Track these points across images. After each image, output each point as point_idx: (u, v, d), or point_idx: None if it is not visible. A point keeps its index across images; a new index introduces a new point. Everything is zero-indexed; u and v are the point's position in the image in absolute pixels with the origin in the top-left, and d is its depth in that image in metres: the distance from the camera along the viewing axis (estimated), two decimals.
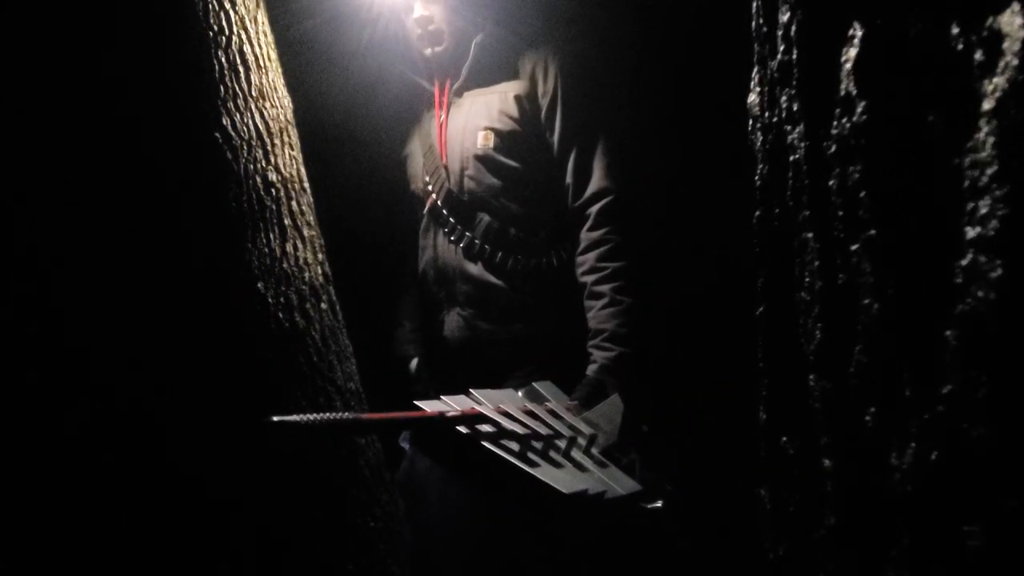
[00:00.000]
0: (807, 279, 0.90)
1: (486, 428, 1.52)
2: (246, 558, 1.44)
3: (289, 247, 1.60)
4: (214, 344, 1.41)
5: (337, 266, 1.86)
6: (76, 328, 1.30)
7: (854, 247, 0.78)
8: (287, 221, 1.61)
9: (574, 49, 1.97)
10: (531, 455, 1.48)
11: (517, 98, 1.92)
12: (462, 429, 1.50)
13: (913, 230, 0.69)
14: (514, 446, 1.49)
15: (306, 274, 1.66)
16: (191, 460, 1.38)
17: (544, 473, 1.45)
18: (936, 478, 0.67)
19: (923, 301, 0.68)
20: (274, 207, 1.57)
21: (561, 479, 1.44)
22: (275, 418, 1.31)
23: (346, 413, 1.45)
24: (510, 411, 1.56)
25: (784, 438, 1.02)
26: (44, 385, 1.29)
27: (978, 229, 0.59)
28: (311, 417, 1.35)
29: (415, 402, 1.57)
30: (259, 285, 1.49)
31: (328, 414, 1.39)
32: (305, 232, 1.70)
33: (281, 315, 1.53)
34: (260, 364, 1.50)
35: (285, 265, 1.58)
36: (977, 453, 0.60)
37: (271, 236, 1.55)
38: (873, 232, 0.74)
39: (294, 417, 1.33)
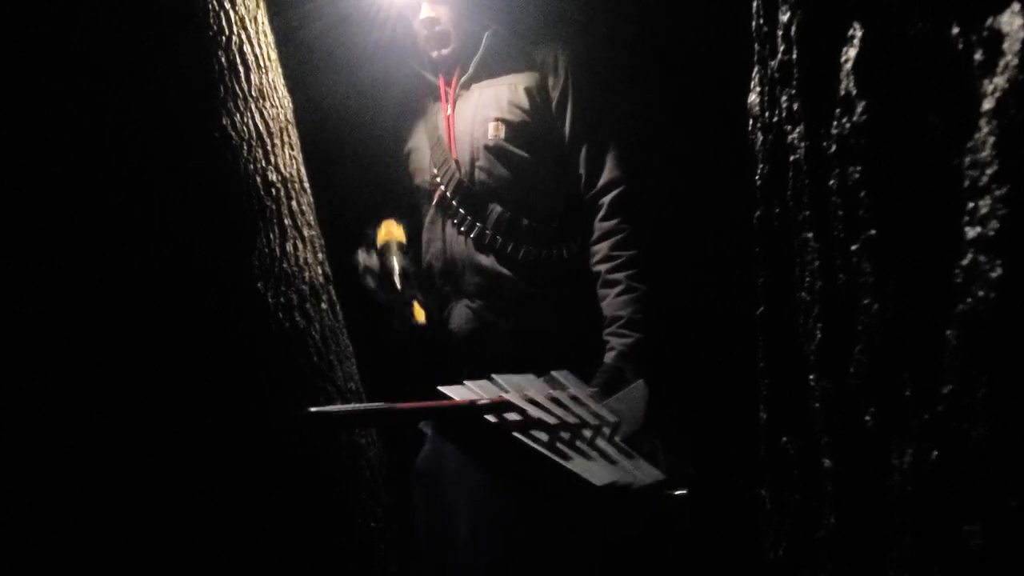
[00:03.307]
0: (807, 279, 0.90)
1: (514, 417, 1.52)
2: (247, 557, 1.44)
3: (289, 247, 1.61)
4: (214, 344, 1.41)
5: (337, 266, 1.86)
6: (76, 328, 1.30)
7: (854, 247, 0.78)
8: (287, 221, 1.62)
9: (583, 42, 1.98)
10: (560, 445, 1.49)
11: (527, 90, 1.93)
12: (490, 418, 1.50)
13: (913, 230, 0.69)
14: (544, 436, 1.49)
15: (306, 274, 1.66)
16: (192, 460, 1.38)
17: (577, 465, 1.45)
18: (936, 478, 0.67)
19: (923, 301, 0.68)
20: (274, 207, 1.57)
21: (593, 471, 1.46)
22: (312, 409, 1.33)
23: (380, 403, 1.46)
24: (537, 399, 1.56)
25: (784, 438, 1.02)
26: (44, 386, 1.29)
27: (978, 229, 0.59)
28: (346, 408, 1.36)
29: (440, 388, 1.57)
30: (259, 285, 1.49)
31: (362, 404, 1.39)
32: (305, 232, 1.70)
33: (281, 315, 1.54)
34: (260, 364, 1.50)
35: (285, 265, 1.58)
36: (977, 453, 0.60)
37: (271, 236, 1.55)
38: (873, 232, 0.74)
39: (330, 408, 1.34)
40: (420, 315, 1.99)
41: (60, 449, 1.29)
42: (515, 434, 1.49)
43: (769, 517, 1.10)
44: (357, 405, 1.39)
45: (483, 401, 1.52)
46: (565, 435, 1.51)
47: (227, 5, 1.48)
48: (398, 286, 1.88)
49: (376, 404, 1.44)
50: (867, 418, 0.79)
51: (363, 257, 1.97)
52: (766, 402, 1.08)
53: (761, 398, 1.09)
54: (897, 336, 0.73)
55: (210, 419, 1.39)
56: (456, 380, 1.94)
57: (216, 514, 1.41)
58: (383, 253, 1.94)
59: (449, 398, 1.56)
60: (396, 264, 1.90)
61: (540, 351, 1.91)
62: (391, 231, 1.98)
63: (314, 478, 1.60)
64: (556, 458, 1.46)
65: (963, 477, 0.63)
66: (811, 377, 0.91)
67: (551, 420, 1.52)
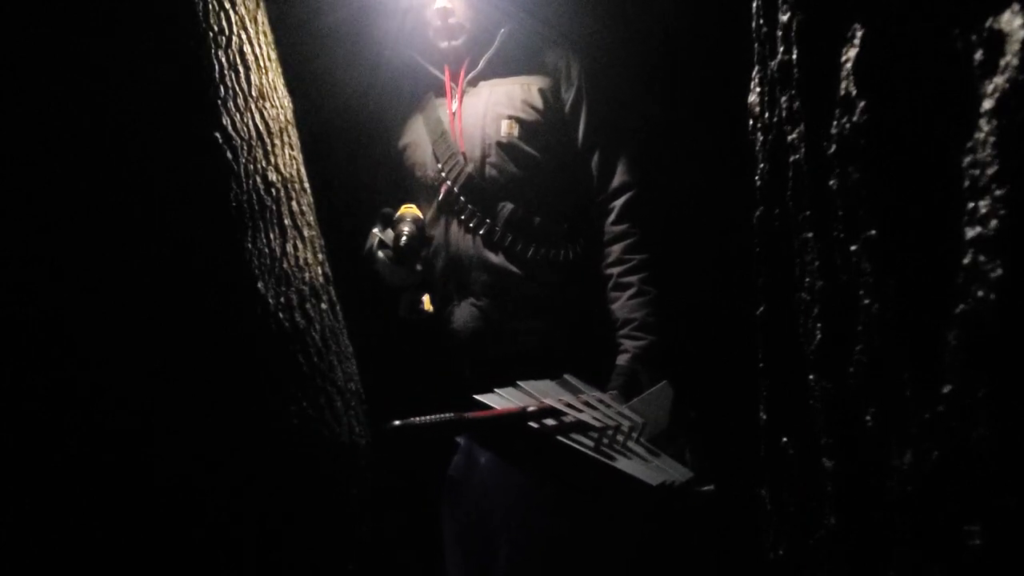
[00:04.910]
0: (807, 279, 0.90)
1: (551, 421, 1.59)
2: (246, 556, 1.45)
3: (289, 247, 1.61)
4: (214, 344, 1.41)
5: (337, 266, 1.86)
6: (76, 328, 1.30)
7: (854, 247, 0.78)
8: (287, 221, 1.62)
9: (595, 48, 2.00)
10: (604, 448, 1.55)
11: (540, 91, 1.94)
12: (533, 424, 1.57)
13: (913, 230, 0.69)
14: (585, 439, 1.55)
15: (306, 274, 1.66)
16: (192, 460, 1.38)
17: (626, 465, 1.52)
18: (936, 478, 0.67)
19: (923, 301, 0.68)
20: (274, 207, 1.57)
21: (642, 470, 1.52)
22: (396, 423, 1.48)
23: (451, 413, 1.58)
24: (574, 403, 1.62)
25: (784, 438, 1.02)
26: (44, 386, 1.29)
27: (978, 229, 0.59)
28: (424, 419, 1.49)
29: (475, 396, 1.63)
30: (259, 285, 1.49)
31: (436, 415, 1.50)
32: (305, 232, 1.70)
33: (281, 315, 1.54)
34: (260, 364, 1.50)
35: (285, 265, 1.58)
36: (977, 453, 0.60)
37: (271, 236, 1.55)
38: (873, 232, 0.74)
39: (412, 420, 1.48)
40: (428, 304, 1.99)
41: (60, 449, 1.29)
42: (559, 438, 1.53)
43: (769, 517, 1.10)
44: (433, 416, 1.53)
45: (532, 408, 1.60)
46: (606, 438, 1.56)
47: (227, 5, 1.48)
48: (405, 241, 1.89)
49: (448, 415, 1.56)
50: (867, 418, 0.79)
51: (377, 230, 1.98)
52: (766, 402, 1.08)
53: (761, 398, 1.09)
54: (897, 336, 0.73)
55: (210, 419, 1.39)
56: (458, 380, 1.95)
57: (216, 514, 1.41)
58: (398, 223, 1.95)
59: (486, 405, 1.61)
60: (406, 230, 1.91)
61: (545, 351, 1.91)
62: (410, 207, 1.99)
63: (314, 478, 1.60)
64: (604, 460, 1.52)
65: (963, 477, 0.63)
66: (811, 377, 0.91)
67: (596, 423, 1.56)
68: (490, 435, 1.87)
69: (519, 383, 1.67)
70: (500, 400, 1.63)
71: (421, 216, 2.00)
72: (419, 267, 1.97)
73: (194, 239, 1.39)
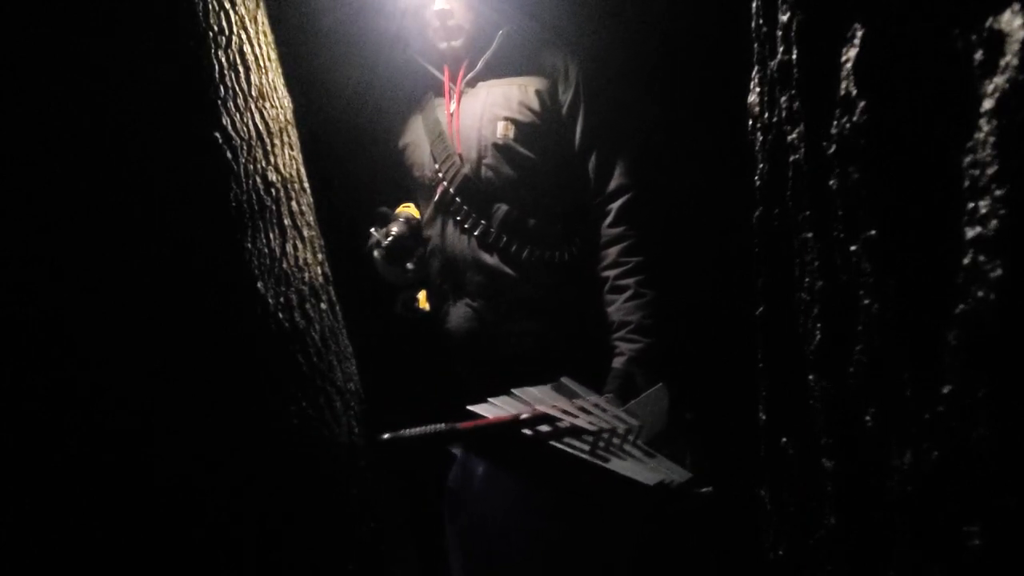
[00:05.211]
0: (807, 279, 0.90)
1: (546, 427, 1.60)
2: (247, 557, 1.45)
3: (289, 247, 1.61)
4: (214, 344, 1.41)
5: (337, 266, 1.86)
6: (76, 328, 1.30)
7: (854, 247, 0.78)
8: (287, 221, 1.62)
9: (594, 47, 2.00)
10: (599, 451, 1.56)
11: (537, 92, 1.94)
12: (527, 431, 1.58)
13: (913, 230, 0.69)
14: (580, 444, 1.56)
15: (306, 274, 1.66)
16: (192, 460, 1.38)
17: (621, 467, 1.53)
18: (936, 478, 0.67)
19: (923, 301, 0.68)
20: (274, 207, 1.57)
21: (638, 472, 1.52)
22: (385, 436, 1.51)
23: (442, 424, 1.60)
24: (568, 408, 1.63)
25: (784, 438, 1.02)
26: (44, 386, 1.29)
27: (978, 229, 0.59)
28: (415, 431, 1.51)
29: (469, 407, 1.63)
30: (259, 285, 1.49)
31: (428, 427, 1.54)
32: (305, 232, 1.70)
33: (281, 315, 1.54)
34: (260, 364, 1.50)
35: (285, 265, 1.58)
36: (977, 453, 0.60)
37: (271, 236, 1.55)
38: (873, 232, 0.74)
39: (403, 433, 1.50)
40: (424, 302, 2.00)
41: (60, 449, 1.29)
42: (553, 443, 1.54)
43: (769, 517, 1.10)
44: (424, 428, 1.55)
45: (525, 415, 1.60)
46: (601, 442, 1.56)
47: (227, 5, 1.48)
48: (392, 241, 1.92)
49: (440, 425, 1.58)
50: (867, 418, 0.79)
51: (375, 229, 2.00)
52: (766, 402, 1.08)
53: (761, 398, 1.09)
54: (897, 336, 0.73)
55: (210, 419, 1.39)
56: (454, 381, 1.95)
57: (216, 514, 1.41)
58: (391, 222, 1.97)
59: (478, 415, 1.61)
60: (395, 230, 1.94)
61: (541, 352, 1.91)
62: (407, 207, 2.02)
63: (314, 478, 1.60)
64: (599, 463, 1.53)
65: (963, 477, 0.63)
66: (811, 377, 0.91)
67: (590, 427, 1.56)
68: (485, 445, 1.87)
69: (513, 391, 1.66)
70: (493, 409, 1.63)
71: (416, 215, 2.01)
72: (410, 265, 1.98)
73: (194, 239, 1.39)
